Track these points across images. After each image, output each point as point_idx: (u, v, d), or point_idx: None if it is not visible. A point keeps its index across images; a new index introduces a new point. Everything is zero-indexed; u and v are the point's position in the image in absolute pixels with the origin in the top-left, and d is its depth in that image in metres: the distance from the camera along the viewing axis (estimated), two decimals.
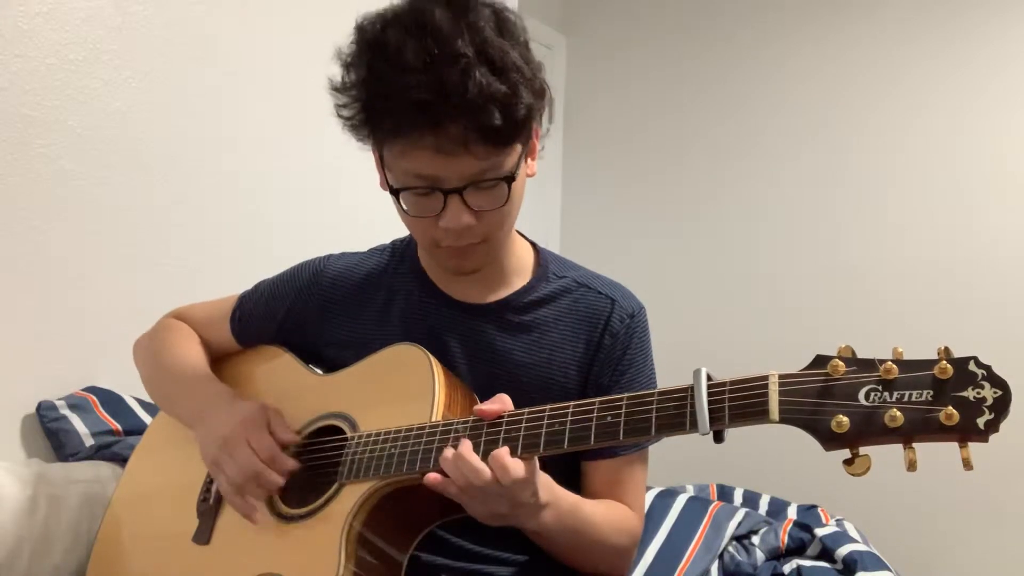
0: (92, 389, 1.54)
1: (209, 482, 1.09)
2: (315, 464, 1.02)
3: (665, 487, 2.01)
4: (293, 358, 1.15)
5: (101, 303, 1.57)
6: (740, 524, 1.79)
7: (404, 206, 0.95)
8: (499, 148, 0.89)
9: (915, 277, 2.75)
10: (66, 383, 1.52)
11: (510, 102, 0.86)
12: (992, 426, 0.67)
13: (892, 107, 2.81)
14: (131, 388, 1.49)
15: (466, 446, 0.85)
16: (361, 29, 0.91)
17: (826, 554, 1.67)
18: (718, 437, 0.79)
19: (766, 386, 0.75)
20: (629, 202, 3.27)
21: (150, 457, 1.22)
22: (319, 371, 1.14)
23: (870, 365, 0.72)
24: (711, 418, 0.77)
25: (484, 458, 0.84)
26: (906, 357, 0.71)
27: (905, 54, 2.80)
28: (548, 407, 0.87)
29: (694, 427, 0.78)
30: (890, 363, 0.71)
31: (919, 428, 0.68)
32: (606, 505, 1.04)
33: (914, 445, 0.70)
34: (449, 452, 0.85)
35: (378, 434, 0.95)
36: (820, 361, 0.74)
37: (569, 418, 0.85)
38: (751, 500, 2.09)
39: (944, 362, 0.69)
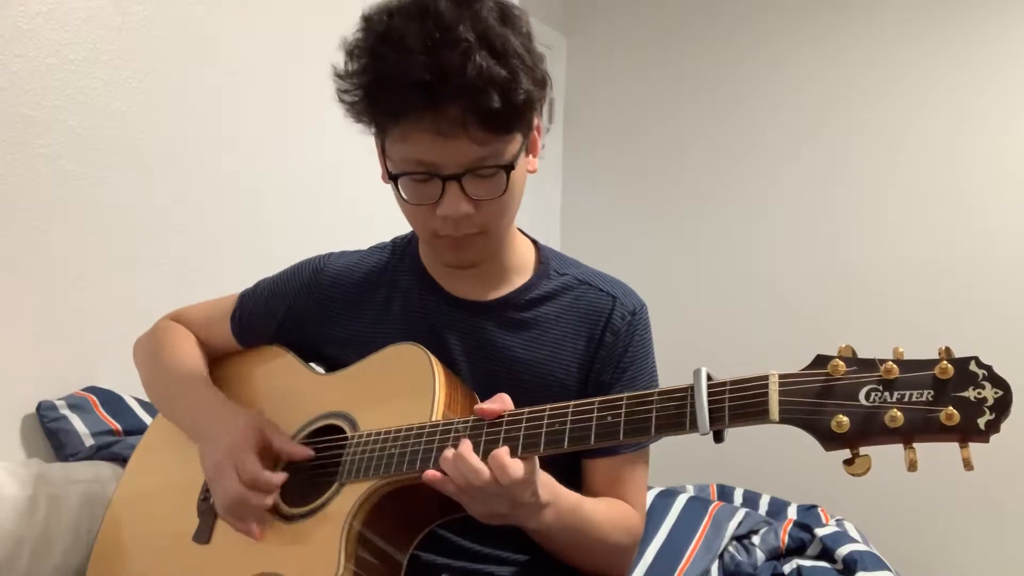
0: (92, 389, 1.54)
1: None
2: (315, 463, 1.02)
3: (665, 487, 2.01)
4: (293, 358, 1.15)
5: (101, 303, 1.57)
6: (740, 524, 1.79)
7: (403, 194, 0.95)
8: (498, 134, 0.89)
9: (915, 277, 2.75)
10: (66, 383, 1.52)
11: (509, 86, 0.86)
12: (993, 426, 0.67)
13: (892, 107, 2.81)
14: (131, 388, 1.49)
15: (466, 446, 0.85)
16: (367, 19, 0.92)
17: (826, 554, 1.67)
18: (718, 437, 0.79)
19: (766, 386, 0.75)
20: (629, 202, 3.27)
21: (150, 457, 1.22)
22: (319, 370, 1.14)
23: (871, 365, 0.72)
24: (711, 418, 0.77)
25: (484, 458, 0.84)
26: (907, 357, 0.71)
27: (905, 54, 2.80)
28: (548, 407, 0.87)
29: (694, 427, 0.78)
30: (891, 363, 0.70)
31: (919, 428, 0.68)
32: (607, 503, 1.03)
33: (914, 445, 0.70)
34: (449, 452, 0.85)
35: (378, 434, 0.95)
36: (820, 361, 0.74)
37: (569, 418, 0.85)
38: (751, 500, 2.09)
39: (945, 362, 0.69)
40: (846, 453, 0.71)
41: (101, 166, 1.57)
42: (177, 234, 1.73)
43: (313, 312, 1.14)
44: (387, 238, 1.20)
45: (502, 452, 0.84)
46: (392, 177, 0.94)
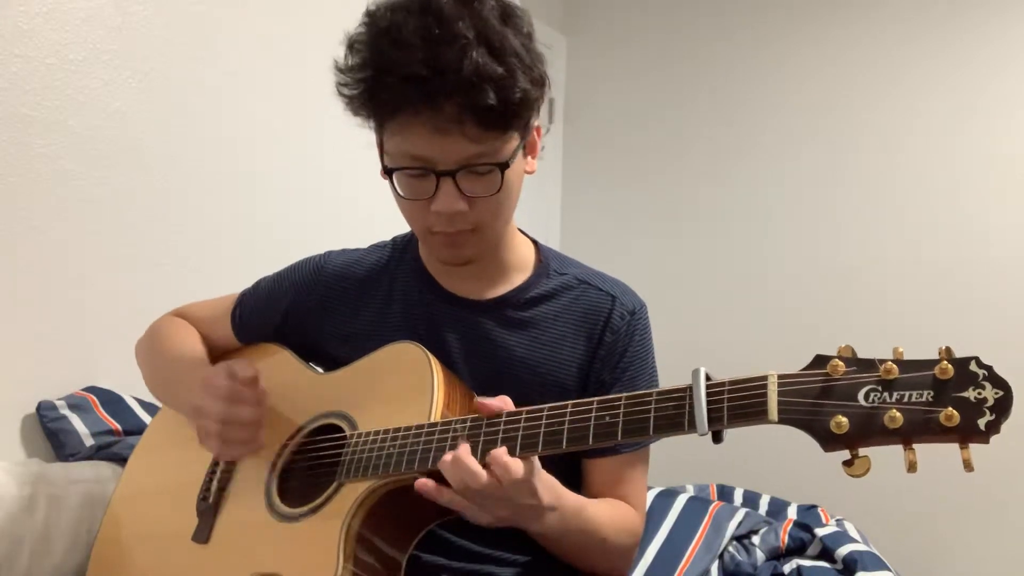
0: (92, 389, 1.54)
1: (208, 481, 1.09)
2: (314, 463, 1.02)
3: (665, 487, 2.01)
4: (293, 356, 1.15)
5: (101, 303, 1.57)
6: (740, 524, 1.79)
7: (398, 188, 0.95)
8: (493, 131, 0.90)
9: (915, 277, 2.75)
10: (66, 383, 1.52)
11: (506, 84, 0.87)
12: (993, 427, 0.66)
13: (892, 107, 2.81)
14: (131, 388, 1.50)
15: (464, 449, 0.85)
16: (370, 13, 0.92)
17: (826, 554, 1.68)
18: (717, 437, 0.79)
19: (765, 386, 0.75)
20: (629, 202, 3.27)
21: (149, 456, 1.22)
22: (319, 369, 1.14)
23: (870, 365, 0.71)
24: (710, 418, 0.76)
25: (482, 458, 0.84)
26: (906, 357, 0.71)
27: (904, 54, 2.80)
28: (546, 406, 0.87)
29: (692, 427, 0.77)
30: (890, 363, 0.70)
31: (919, 429, 0.68)
32: (609, 505, 1.03)
33: (914, 446, 0.69)
34: (448, 456, 0.85)
35: (377, 433, 0.95)
36: (820, 361, 0.74)
37: (567, 418, 0.85)
38: (751, 500, 2.09)
39: (945, 362, 0.69)
40: (845, 454, 0.71)
41: (101, 166, 1.57)
42: (177, 234, 1.73)
43: (314, 309, 1.14)
44: (387, 237, 1.20)
45: (501, 452, 0.84)
46: (388, 171, 0.95)
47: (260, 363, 1.18)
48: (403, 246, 1.15)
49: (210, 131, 1.78)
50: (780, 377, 0.75)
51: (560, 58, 3.34)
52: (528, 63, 0.90)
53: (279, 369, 1.15)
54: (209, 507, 1.06)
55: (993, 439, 0.67)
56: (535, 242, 1.14)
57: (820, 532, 1.73)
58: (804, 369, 0.74)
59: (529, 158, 1.01)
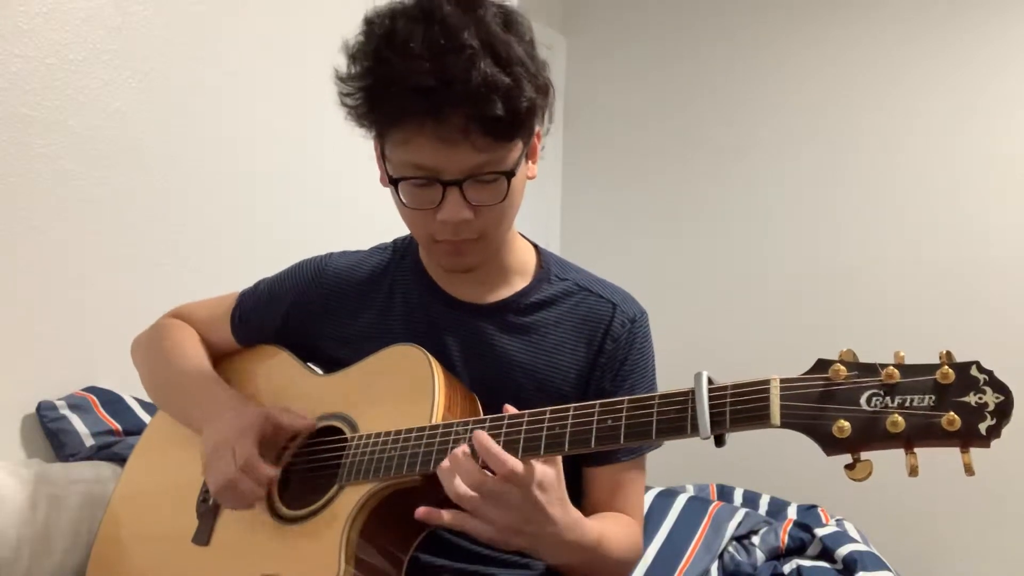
0: (92, 389, 1.54)
1: None
2: (315, 465, 1.02)
3: (665, 487, 2.02)
4: (292, 358, 1.15)
5: (101, 303, 1.57)
6: (740, 524, 1.79)
7: (403, 198, 0.94)
8: (500, 141, 0.89)
9: (915, 277, 2.75)
10: (66, 383, 1.52)
11: (513, 94, 0.86)
12: (994, 432, 0.66)
13: (892, 107, 2.81)
14: (131, 388, 1.49)
15: (460, 449, 0.84)
16: (369, 21, 0.92)
17: (826, 554, 1.68)
18: (719, 441, 0.79)
19: (767, 390, 0.75)
20: (629, 202, 3.27)
21: (149, 456, 1.22)
22: (319, 371, 1.14)
23: (872, 370, 0.71)
24: (712, 422, 0.76)
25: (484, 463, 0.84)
26: (906, 358, 0.71)
27: (904, 54, 2.80)
28: (548, 409, 0.86)
29: (695, 431, 0.77)
30: (892, 368, 0.70)
31: (921, 434, 0.68)
32: (616, 523, 1.01)
33: (916, 450, 0.70)
34: (445, 462, 0.84)
35: (378, 436, 0.95)
36: (822, 365, 0.74)
37: (570, 421, 0.84)
38: (751, 500, 2.09)
39: (946, 367, 0.69)
40: (847, 458, 0.71)
41: (101, 166, 1.57)
42: (177, 234, 1.72)
43: (314, 311, 1.14)
44: (388, 239, 1.20)
45: (482, 434, 0.84)
46: (392, 181, 0.94)
47: (260, 365, 1.18)
48: (404, 249, 1.15)
49: (210, 131, 1.78)
50: (782, 381, 0.75)
51: (560, 58, 3.34)
52: (533, 71, 0.90)
53: (279, 371, 1.15)
54: (209, 509, 1.06)
55: (993, 440, 0.67)
56: (536, 246, 1.14)
57: (820, 532, 1.73)
58: (806, 373, 0.74)
59: (531, 163, 1.01)
